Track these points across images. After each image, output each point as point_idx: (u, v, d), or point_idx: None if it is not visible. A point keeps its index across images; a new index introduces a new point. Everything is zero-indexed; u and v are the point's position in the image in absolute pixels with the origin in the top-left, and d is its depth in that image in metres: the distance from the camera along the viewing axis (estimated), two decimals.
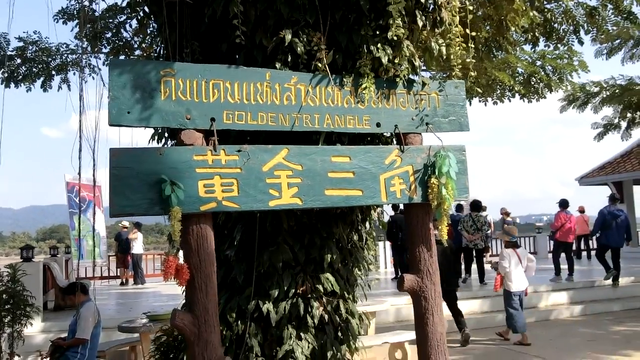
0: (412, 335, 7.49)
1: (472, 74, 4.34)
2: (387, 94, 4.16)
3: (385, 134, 4.45)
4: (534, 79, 8.60)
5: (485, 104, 8.87)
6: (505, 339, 8.82)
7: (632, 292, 12.14)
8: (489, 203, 14.48)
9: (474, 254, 12.83)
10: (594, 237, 13.20)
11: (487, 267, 12.95)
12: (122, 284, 16.44)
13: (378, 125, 4.11)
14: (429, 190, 4.04)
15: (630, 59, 12.88)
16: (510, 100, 8.83)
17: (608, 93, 13.21)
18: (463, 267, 13.29)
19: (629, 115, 13.28)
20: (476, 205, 12.90)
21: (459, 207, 15.17)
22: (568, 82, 8.72)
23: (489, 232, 19.13)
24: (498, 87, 8.48)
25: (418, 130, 4.22)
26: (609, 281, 12.33)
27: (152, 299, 12.30)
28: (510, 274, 8.53)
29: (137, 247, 16.13)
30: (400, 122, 4.16)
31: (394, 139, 4.37)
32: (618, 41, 13.06)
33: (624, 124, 13.56)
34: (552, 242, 14.60)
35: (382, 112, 4.12)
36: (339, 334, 4.52)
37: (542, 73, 8.59)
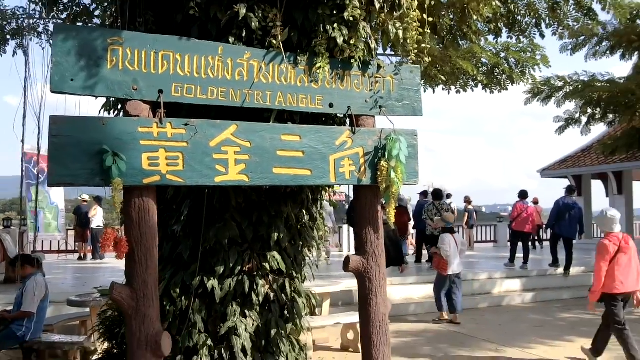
0: None
1: (427, 59, 4.33)
2: (342, 75, 4.14)
3: (338, 115, 4.44)
4: (497, 71, 8.68)
5: (449, 92, 8.94)
6: (456, 324, 9.03)
7: (582, 281, 12.45)
8: (456, 192, 15.04)
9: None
10: (549, 228, 13.53)
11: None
12: (80, 258, 16.22)
13: (331, 105, 4.10)
14: (379, 173, 4.06)
15: (593, 56, 13.09)
16: (473, 90, 8.92)
17: (571, 88, 13.41)
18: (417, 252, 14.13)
19: (589, 111, 13.51)
20: (438, 194, 13.14)
21: (424, 194, 15.39)
22: (530, 75, 8.83)
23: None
24: (462, 76, 8.54)
25: (371, 113, 4.23)
26: (561, 270, 12.67)
27: (109, 274, 12.16)
28: (450, 258, 8.87)
29: (97, 221, 15.90)
30: (353, 103, 4.16)
31: (347, 121, 4.37)
32: (582, 38, 13.27)
33: (584, 119, 13.80)
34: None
35: (336, 92, 4.11)
36: (285, 312, 4.53)
37: (506, 65, 8.68)
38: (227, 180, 3.63)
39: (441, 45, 7.81)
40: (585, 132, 14.09)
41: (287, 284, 4.45)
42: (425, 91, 9.04)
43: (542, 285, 11.99)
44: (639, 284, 6.38)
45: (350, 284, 9.88)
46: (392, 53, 5.62)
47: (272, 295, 4.38)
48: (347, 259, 4.08)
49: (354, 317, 7.36)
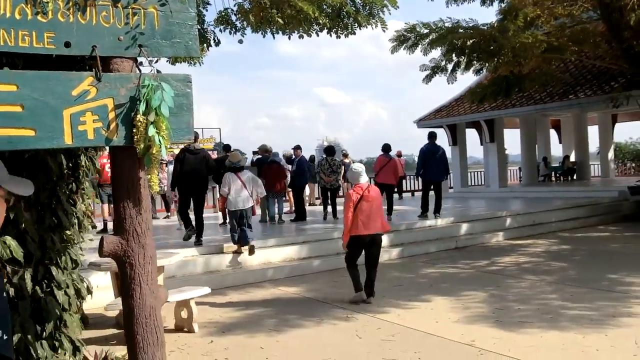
0: (199, 291, 6.84)
1: None
2: (83, 5, 3.18)
3: (81, 56, 3.47)
4: (343, 13, 7.96)
5: (289, 37, 8.11)
6: (238, 252, 9.61)
7: (450, 232, 12.38)
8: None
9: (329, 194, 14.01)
10: (418, 175, 13.72)
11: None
12: None
13: (67, 45, 3.13)
14: (135, 130, 3.18)
15: (454, 2, 12.80)
16: (318, 35, 8.15)
17: (436, 35, 13.08)
18: (322, 205, 14.42)
19: (454, 58, 13.27)
20: (330, 150, 14.36)
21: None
22: (378, 19, 8.18)
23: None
24: (304, 20, 7.73)
25: (127, 54, 3.31)
26: (430, 222, 12.54)
27: None
28: (231, 196, 9.55)
29: None
30: (101, 41, 3.22)
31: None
32: None
33: (450, 67, 13.58)
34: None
35: (75, 27, 3.15)
36: (45, 309, 3.62)
37: (352, 7, 7.96)
38: None
39: None
40: (452, 80, 13.89)
41: (31, 275, 3.51)
42: (264, 36, 8.18)
43: (409, 239, 11.73)
44: (380, 227, 7.41)
45: (188, 253, 9.11)
46: None
47: (12, 291, 3.44)
48: (102, 240, 3.22)
49: (186, 294, 6.57)
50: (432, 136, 13.03)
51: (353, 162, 20.52)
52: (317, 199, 20.79)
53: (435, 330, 6.14)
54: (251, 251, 9.55)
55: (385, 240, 11.32)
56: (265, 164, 13.58)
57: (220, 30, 8.59)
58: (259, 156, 14.56)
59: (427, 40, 13.56)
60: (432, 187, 13.07)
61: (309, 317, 6.95)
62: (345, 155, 20.59)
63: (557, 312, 6.56)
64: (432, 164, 12.65)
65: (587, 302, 6.91)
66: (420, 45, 13.78)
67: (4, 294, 1.60)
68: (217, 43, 9.01)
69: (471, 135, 23.23)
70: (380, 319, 6.73)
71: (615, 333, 5.67)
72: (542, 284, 8.11)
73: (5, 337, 1.56)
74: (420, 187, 15.46)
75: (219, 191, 9.60)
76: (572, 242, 11.83)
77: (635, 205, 14.81)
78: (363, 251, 7.65)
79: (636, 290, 7.35)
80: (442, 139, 22.88)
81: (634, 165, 29.15)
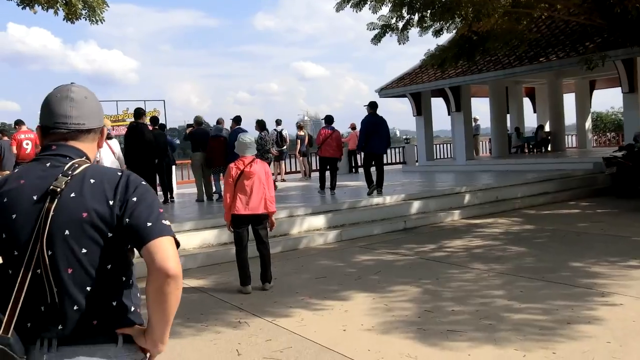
0: None
1: None
2: None
3: None
4: None
5: None
6: None
7: (400, 211, 10.94)
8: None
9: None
10: (360, 149, 12.44)
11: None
12: None
13: None
14: None
15: None
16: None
17: None
18: None
19: (405, 15, 11.66)
20: (261, 125, 13.46)
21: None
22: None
23: (284, 147, 17.93)
24: None
25: None
26: (378, 199, 11.15)
27: None
28: None
29: None
30: None
31: None
32: None
33: (400, 25, 11.97)
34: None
35: None
36: None
37: None
38: None
39: None
40: (403, 40, 12.32)
41: None
42: None
43: (351, 219, 10.27)
44: (262, 207, 6.37)
45: None
46: None
47: None
48: None
49: None
50: (372, 106, 11.87)
51: (307, 135, 19.16)
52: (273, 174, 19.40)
53: (336, 343, 4.71)
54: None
55: (322, 221, 9.94)
56: (209, 137, 12.28)
57: None
58: (192, 129, 13.00)
59: None
60: (373, 161, 12.03)
61: (192, 323, 5.51)
62: (300, 127, 19.08)
63: (499, 316, 5.15)
64: (374, 137, 11.57)
65: (538, 302, 5.50)
66: (368, 3, 12.17)
67: None
68: None
69: (438, 105, 21.84)
70: (277, 325, 5.30)
71: (566, 350, 4.26)
72: (490, 275, 6.70)
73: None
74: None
75: None
76: (537, 221, 10.46)
77: (609, 178, 13.42)
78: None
79: (601, 284, 5.96)
80: (407, 109, 21.57)
81: (613, 135, 27.90)
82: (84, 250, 1.67)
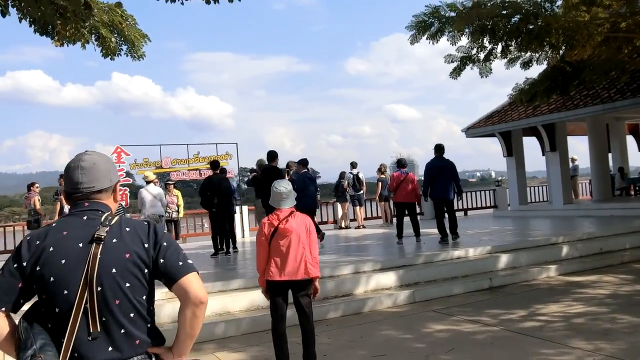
0: None
1: None
2: None
3: None
4: None
5: None
6: None
7: (485, 266, 9.52)
8: (422, 159, 13.34)
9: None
10: (424, 195, 11.57)
11: None
12: None
13: None
14: None
15: None
16: None
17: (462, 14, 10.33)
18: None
19: (486, 44, 10.44)
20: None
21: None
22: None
23: (362, 192, 16.96)
24: None
25: None
26: (459, 252, 9.86)
27: None
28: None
29: None
30: None
31: None
32: None
33: (482, 55, 10.74)
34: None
35: None
36: None
37: None
38: None
39: None
40: (485, 72, 11.06)
41: None
42: None
43: (427, 276, 8.96)
44: (302, 271, 5.21)
45: None
46: None
47: None
48: None
49: None
50: (438, 149, 11.31)
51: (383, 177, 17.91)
52: (351, 220, 18.32)
53: None
54: None
55: (392, 279, 8.73)
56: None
57: None
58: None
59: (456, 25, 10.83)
60: (444, 207, 11.32)
61: None
62: (382, 171, 17.92)
63: None
64: (439, 181, 11.03)
65: None
66: (447, 33, 11.08)
67: None
68: None
69: (532, 144, 20.09)
70: None
71: None
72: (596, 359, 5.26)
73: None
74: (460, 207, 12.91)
75: None
76: None
77: None
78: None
79: None
80: (497, 150, 19.96)
81: None
82: (128, 284, 2.06)
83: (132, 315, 2.06)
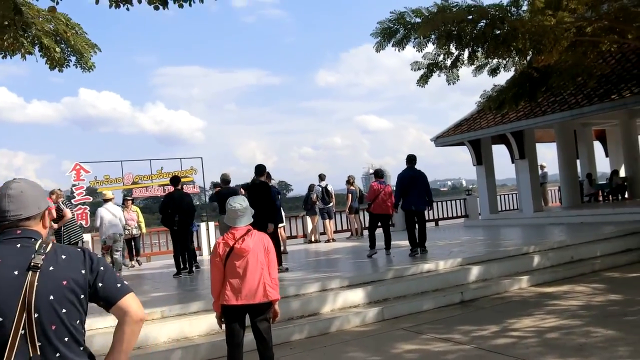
0: None
1: None
2: None
3: None
4: None
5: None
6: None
7: (456, 279, 9.22)
8: (394, 169, 13.04)
9: None
10: (396, 207, 11.33)
11: None
12: None
13: None
14: None
15: None
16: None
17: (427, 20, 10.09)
18: None
19: (453, 50, 10.22)
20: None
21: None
22: None
23: (331, 204, 16.60)
24: None
25: None
26: (429, 265, 9.56)
27: None
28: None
29: None
30: None
31: None
32: None
33: (449, 62, 10.52)
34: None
35: None
36: None
37: None
38: None
39: None
40: (452, 79, 10.85)
41: None
42: None
43: (396, 292, 8.61)
44: (261, 294, 4.80)
45: None
46: None
47: None
48: None
49: None
50: (410, 160, 11.14)
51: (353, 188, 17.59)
52: (321, 233, 17.96)
53: None
54: None
55: (360, 295, 8.37)
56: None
57: None
58: (219, 188, 11.83)
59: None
60: (415, 218, 11.12)
61: None
62: (351, 183, 17.54)
63: None
64: (412, 192, 10.90)
65: None
66: (412, 40, 10.84)
67: None
68: None
69: (501, 152, 20.01)
70: None
71: None
72: None
73: None
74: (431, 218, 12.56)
75: None
76: (624, 289, 8.54)
77: None
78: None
79: None
80: (467, 158, 19.86)
81: None
82: (64, 310, 2.13)
83: (66, 339, 2.13)
